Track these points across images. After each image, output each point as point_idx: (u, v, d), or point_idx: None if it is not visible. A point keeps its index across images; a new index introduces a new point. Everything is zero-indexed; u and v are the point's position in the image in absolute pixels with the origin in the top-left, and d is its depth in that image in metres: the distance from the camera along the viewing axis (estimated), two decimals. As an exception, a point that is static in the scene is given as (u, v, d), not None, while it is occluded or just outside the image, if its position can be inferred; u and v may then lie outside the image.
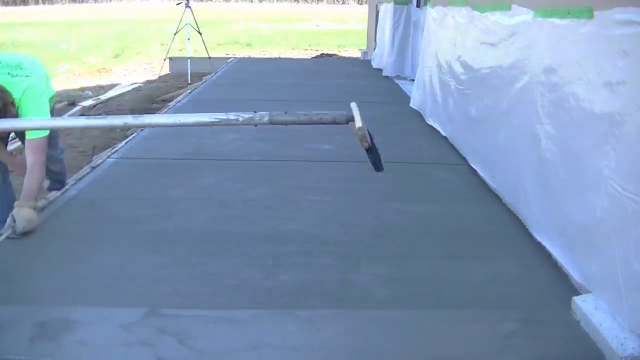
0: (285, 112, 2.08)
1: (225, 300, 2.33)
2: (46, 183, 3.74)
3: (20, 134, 3.50)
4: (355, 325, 2.18)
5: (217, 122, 2.07)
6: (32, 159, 3.09)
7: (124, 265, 2.60)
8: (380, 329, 2.17)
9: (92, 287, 2.42)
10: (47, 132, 3.19)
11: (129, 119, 2.32)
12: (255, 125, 2.10)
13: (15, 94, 3.09)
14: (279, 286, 2.43)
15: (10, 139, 3.72)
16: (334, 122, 2.08)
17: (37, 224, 2.92)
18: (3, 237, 2.80)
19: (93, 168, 4.02)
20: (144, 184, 3.71)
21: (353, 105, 2.08)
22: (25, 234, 2.85)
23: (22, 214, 2.88)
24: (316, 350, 2.03)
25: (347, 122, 2.06)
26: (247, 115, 2.05)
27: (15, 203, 2.97)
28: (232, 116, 2.05)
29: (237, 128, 5.24)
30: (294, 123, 2.10)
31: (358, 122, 1.95)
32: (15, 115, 3.12)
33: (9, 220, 2.85)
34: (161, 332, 2.08)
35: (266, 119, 2.04)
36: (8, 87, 3.05)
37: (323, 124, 2.09)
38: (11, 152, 3.90)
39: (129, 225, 2.99)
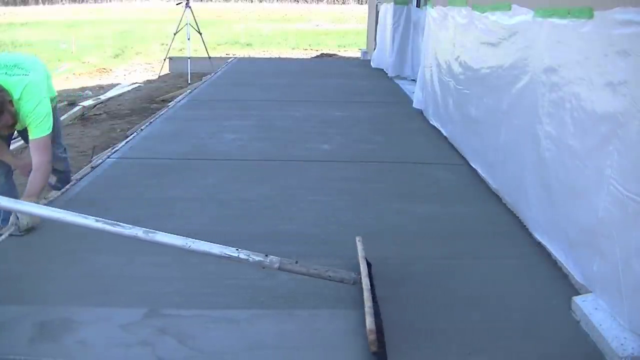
0: (297, 262, 2.15)
1: (225, 300, 2.33)
2: (53, 179, 3.74)
3: (23, 133, 3.50)
4: (355, 325, 2.18)
5: (227, 257, 2.10)
6: (37, 159, 3.11)
7: (124, 265, 2.60)
8: (381, 329, 2.16)
9: (92, 287, 2.41)
10: (50, 130, 3.20)
11: (140, 233, 2.18)
12: (263, 268, 2.14)
13: (15, 94, 3.09)
14: (279, 286, 2.43)
15: (13, 137, 3.72)
16: (342, 282, 2.20)
17: (40, 220, 2.90)
18: (6, 235, 2.78)
19: (93, 168, 4.02)
20: (143, 184, 3.70)
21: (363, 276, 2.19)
22: (29, 230, 2.86)
23: None
24: (316, 350, 2.03)
25: (354, 283, 2.20)
26: (257, 258, 2.10)
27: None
28: (242, 255, 2.10)
29: (237, 127, 5.25)
30: (304, 275, 2.17)
31: (370, 324, 1.96)
32: (14, 115, 3.13)
33: (12, 218, 2.84)
34: (161, 332, 2.08)
35: (276, 265, 2.10)
36: (6, 87, 3.06)
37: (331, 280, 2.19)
38: (14, 153, 3.89)
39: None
